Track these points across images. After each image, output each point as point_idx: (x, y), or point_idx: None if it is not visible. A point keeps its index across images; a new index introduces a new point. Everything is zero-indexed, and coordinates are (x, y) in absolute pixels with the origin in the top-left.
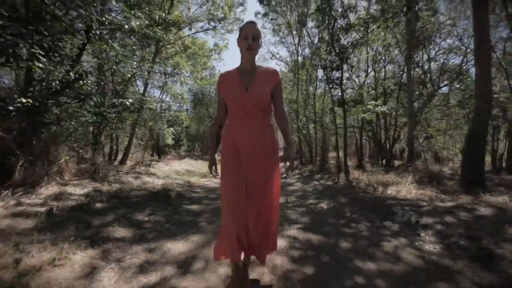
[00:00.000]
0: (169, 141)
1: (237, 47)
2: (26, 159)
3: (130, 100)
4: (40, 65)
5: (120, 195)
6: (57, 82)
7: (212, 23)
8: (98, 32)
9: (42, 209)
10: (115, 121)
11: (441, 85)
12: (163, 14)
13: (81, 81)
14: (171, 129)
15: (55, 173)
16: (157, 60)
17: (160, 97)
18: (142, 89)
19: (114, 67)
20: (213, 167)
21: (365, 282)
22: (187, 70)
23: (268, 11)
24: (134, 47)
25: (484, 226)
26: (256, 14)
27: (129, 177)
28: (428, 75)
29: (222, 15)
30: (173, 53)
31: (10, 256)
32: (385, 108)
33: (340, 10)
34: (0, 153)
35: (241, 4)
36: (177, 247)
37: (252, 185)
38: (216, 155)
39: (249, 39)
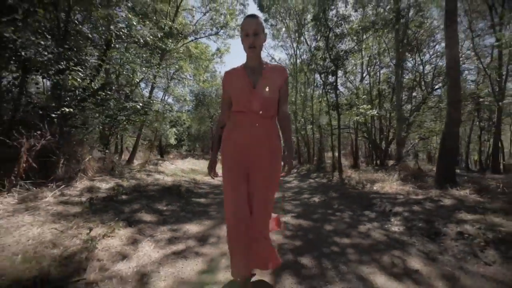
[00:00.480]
0: (172, 141)
1: (237, 50)
2: (64, 158)
3: (141, 104)
4: (78, 79)
5: (139, 189)
6: (81, 90)
7: (215, 29)
8: (117, 46)
9: (83, 199)
10: (124, 123)
11: (435, 88)
12: (169, 23)
13: (102, 90)
14: (174, 129)
15: (82, 170)
16: (163, 65)
17: (163, 98)
18: (144, 91)
19: (125, 71)
20: (212, 168)
21: (338, 250)
22: (190, 73)
23: (268, 18)
24: (144, 55)
25: (441, 213)
26: None
27: (141, 175)
28: (423, 78)
29: (225, 22)
30: (178, 57)
31: (76, 230)
32: (375, 112)
33: (335, 19)
34: (46, 153)
35: (242, 12)
36: (194, 228)
37: (255, 184)
38: (217, 156)
39: (250, 36)
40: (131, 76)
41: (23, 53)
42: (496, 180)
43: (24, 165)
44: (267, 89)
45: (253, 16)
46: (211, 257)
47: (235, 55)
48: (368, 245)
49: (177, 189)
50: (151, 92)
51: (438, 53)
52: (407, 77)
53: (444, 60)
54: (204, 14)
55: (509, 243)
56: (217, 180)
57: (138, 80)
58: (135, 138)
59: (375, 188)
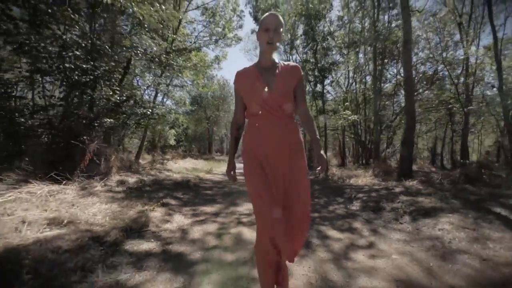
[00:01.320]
0: (172, 141)
1: (233, 56)
2: (104, 158)
3: (150, 110)
4: (116, 96)
5: (157, 183)
6: (104, 101)
7: (214, 39)
8: (136, 64)
9: (121, 188)
10: (134, 126)
11: (420, 91)
12: (173, 36)
13: (126, 102)
14: (173, 130)
15: (111, 167)
16: (167, 74)
17: (162, 100)
18: (145, 95)
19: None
20: (232, 172)
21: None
22: (189, 78)
23: None
24: (152, 67)
25: (389, 196)
26: (252, 32)
27: (154, 172)
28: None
29: (223, 33)
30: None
31: (129, 206)
32: (356, 117)
33: (321, 35)
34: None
35: (240, 27)
36: (208, 209)
37: (282, 186)
38: (234, 159)
39: (271, 31)
40: (132, 80)
41: (75, 77)
42: (442, 174)
43: (86, 162)
44: (282, 89)
45: (274, 14)
46: (223, 222)
47: (231, 62)
48: (331, 216)
49: (186, 183)
50: (155, 97)
51: (422, 60)
52: (393, 81)
53: (427, 66)
54: (205, 27)
55: (418, 211)
56: (218, 177)
57: (145, 87)
58: (133, 139)
59: (351, 181)
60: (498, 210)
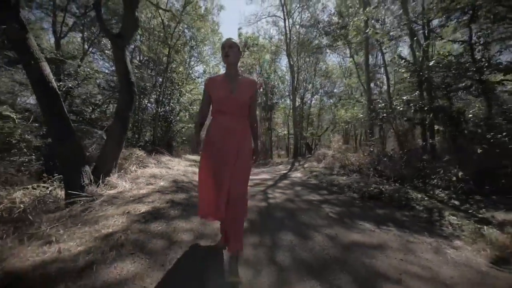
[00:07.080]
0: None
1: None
2: (176, 150)
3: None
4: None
5: (189, 159)
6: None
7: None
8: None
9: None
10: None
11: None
12: (175, 75)
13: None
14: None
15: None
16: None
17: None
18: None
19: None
20: (198, 146)
21: None
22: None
23: None
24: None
25: (283, 162)
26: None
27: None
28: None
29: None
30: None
31: (190, 167)
32: (286, 132)
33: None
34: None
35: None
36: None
37: (233, 167)
38: (199, 138)
39: (225, 48)
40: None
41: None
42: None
43: (173, 151)
44: (242, 95)
45: (229, 38)
46: None
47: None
48: (253, 172)
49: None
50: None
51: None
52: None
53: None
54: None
55: (277, 164)
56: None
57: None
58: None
59: (277, 161)
60: (299, 164)
